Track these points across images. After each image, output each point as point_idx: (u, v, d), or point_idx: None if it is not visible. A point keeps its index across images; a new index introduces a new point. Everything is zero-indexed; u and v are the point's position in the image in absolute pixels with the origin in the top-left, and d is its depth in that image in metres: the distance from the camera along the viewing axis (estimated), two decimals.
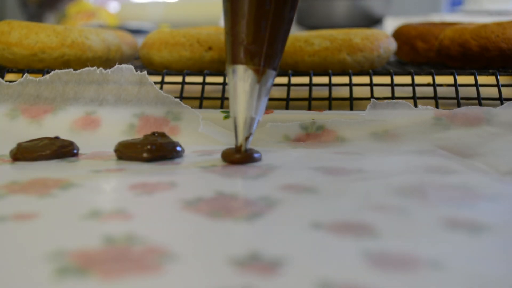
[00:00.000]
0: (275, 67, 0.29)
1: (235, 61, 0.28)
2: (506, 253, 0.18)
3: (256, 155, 0.29)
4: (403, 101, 0.34)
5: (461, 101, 0.36)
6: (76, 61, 0.42)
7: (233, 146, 0.29)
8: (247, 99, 0.28)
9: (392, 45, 0.45)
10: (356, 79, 0.40)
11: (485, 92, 0.37)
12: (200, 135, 0.34)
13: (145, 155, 0.29)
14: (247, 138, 0.28)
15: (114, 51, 0.44)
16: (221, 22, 1.01)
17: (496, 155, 0.29)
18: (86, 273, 0.16)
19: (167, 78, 0.42)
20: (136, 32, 0.85)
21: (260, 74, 0.28)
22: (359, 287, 0.15)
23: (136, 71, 0.36)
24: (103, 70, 0.36)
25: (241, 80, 0.28)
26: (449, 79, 0.39)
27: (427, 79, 0.40)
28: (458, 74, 0.38)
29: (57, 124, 0.35)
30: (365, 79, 0.41)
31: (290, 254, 0.17)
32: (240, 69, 0.28)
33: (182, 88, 0.39)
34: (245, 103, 0.28)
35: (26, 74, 0.36)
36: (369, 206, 0.22)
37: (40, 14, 1.37)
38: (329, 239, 0.19)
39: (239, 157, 0.29)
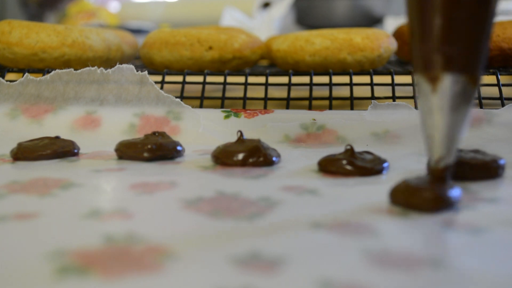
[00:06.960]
0: (473, 72, 0.22)
1: (427, 68, 0.22)
2: (506, 253, 0.18)
3: (274, 159, 0.28)
4: (404, 103, 0.34)
5: None
6: (76, 61, 0.42)
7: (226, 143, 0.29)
8: (443, 114, 0.22)
9: (393, 44, 0.45)
10: (356, 79, 0.40)
11: (485, 91, 0.37)
12: (200, 135, 0.34)
13: (145, 154, 0.29)
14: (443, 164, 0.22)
15: (115, 51, 0.44)
16: (222, 22, 1.01)
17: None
18: (87, 272, 0.16)
19: (168, 78, 0.42)
20: (136, 31, 0.85)
21: (456, 83, 0.21)
22: (359, 286, 0.15)
23: (137, 70, 0.36)
24: (103, 70, 0.36)
25: (435, 93, 0.22)
26: None
27: None
28: None
29: (57, 124, 0.35)
30: (366, 79, 0.41)
31: (291, 253, 0.18)
32: (434, 78, 0.22)
33: (183, 88, 0.39)
34: (440, 119, 0.22)
35: (26, 73, 0.36)
36: (370, 206, 0.22)
37: (41, 13, 1.37)
38: (329, 238, 0.19)
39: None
